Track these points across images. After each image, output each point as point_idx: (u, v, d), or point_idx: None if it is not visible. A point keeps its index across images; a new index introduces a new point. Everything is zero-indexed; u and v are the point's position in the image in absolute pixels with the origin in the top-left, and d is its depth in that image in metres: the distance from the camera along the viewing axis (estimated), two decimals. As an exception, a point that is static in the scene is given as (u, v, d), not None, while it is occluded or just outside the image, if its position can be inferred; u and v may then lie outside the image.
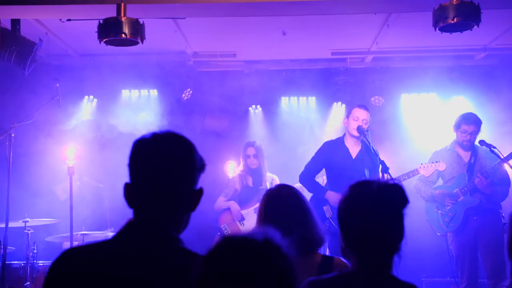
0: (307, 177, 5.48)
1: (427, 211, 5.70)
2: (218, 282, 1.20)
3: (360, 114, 5.38)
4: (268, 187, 6.07)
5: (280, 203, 2.88)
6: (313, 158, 5.57)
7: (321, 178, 5.89)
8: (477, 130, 5.53)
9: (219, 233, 5.98)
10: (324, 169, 5.61)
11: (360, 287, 1.86)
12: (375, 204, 1.85)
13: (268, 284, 1.19)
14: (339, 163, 5.37)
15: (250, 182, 6.13)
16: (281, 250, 1.26)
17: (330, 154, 5.46)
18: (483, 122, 5.59)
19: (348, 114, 5.52)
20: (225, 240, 1.27)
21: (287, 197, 2.91)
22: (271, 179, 6.18)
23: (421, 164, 5.52)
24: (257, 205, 5.92)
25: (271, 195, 2.94)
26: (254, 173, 6.12)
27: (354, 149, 5.45)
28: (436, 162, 5.53)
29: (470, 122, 5.53)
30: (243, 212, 6.02)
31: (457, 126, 5.60)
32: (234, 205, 6.01)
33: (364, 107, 5.49)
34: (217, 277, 1.21)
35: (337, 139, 5.61)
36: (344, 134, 5.55)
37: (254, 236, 1.26)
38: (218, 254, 1.25)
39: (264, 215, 2.86)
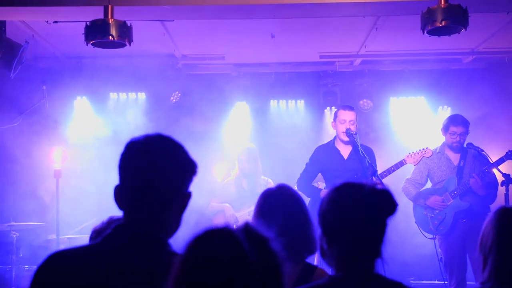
0: (303, 182, 5.49)
1: (416, 214, 5.70)
2: (194, 270, 1.19)
3: (346, 116, 5.37)
4: (262, 190, 6.02)
5: (278, 202, 2.73)
6: (307, 164, 5.61)
7: (316, 184, 5.87)
8: (466, 131, 5.57)
9: None
10: (320, 174, 5.60)
11: None
12: (363, 209, 1.83)
13: (249, 273, 1.18)
14: (332, 166, 5.39)
15: (245, 184, 6.07)
16: (260, 237, 1.24)
17: (322, 158, 5.50)
18: (471, 125, 5.62)
19: (335, 117, 5.51)
20: (202, 232, 1.26)
21: (286, 197, 2.77)
22: (266, 182, 6.14)
23: (408, 153, 5.50)
24: (252, 208, 5.94)
25: (270, 193, 2.82)
26: (248, 176, 6.06)
27: (345, 150, 5.46)
28: (423, 149, 5.51)
29: (458, 123, 5.57)
30: (237, 214, 5.96)
31: (446, 129, 5.63)
32: (228, 208, 5.96)
33: (349, 107, 5.48)
34: (193, 266, 1.20)
35: (328, 142, 5.64)
36: (335, 137, 5.55)
37: (232, 226, 1.26)
38: (195, 244, 1.24)
39: (258, 212, 2.75)
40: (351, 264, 1.85)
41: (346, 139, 5.34)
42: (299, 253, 2.66)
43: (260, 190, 6.00)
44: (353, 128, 5.34)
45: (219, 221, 5.89)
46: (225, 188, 6.14)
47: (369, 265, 1.86)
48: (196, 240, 1.24)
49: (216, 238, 1.22)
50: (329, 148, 5.55)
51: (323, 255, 1.93)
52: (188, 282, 1.19)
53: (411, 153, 5.48)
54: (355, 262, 1.85)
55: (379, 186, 1.87)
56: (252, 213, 5.86)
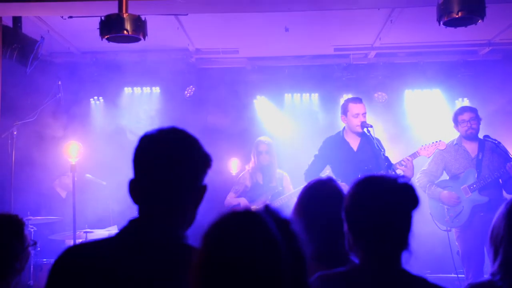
0: (312, 174, 5.43)
1: (431, 205, 5.68)
2: (218, 256, 1.18)
3: (359, 109, 5.29)
4: (277, 184, 6.03)
5: (319, 204, 2.40)
6: (316, 156, 5.53)
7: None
8: (475, 116, 5.58)
9: None
10: (328, 166, 5.56)
11: (371, 281, 1.84)
12: (385, 202, 1.83)
13: (269, 253, 1.17)
14: (341, 158, 5.33)
15: (260, 179, 6.07)
16: (281, 219, 1.23)
17: (331, 150, 5.42)
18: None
19: (345, 111, 5.39)
20: (221, 217, 1.25)
21: (329, 197, 2.41)
22: (282, 176, 6.13)
23: (422, 145, 5.46)
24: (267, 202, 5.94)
25: (312, 192, 2.49)
26: (264, 170, 6.05)
27: (354, 142, 5.40)
28: (436, 142, 5.46)
29: (464, 110, 5.64)
30: (253, 208, 5.93)
31: (455, 121, 5.67)
32: (244, 201, 5.98)
33: (359, 99, 5.40)
34: (217, 253, 1.19)
35: (337, 134, 5.54)
36: (344, 128, 5.47)
37: (253, 210, 1.25)
38: (215, 229, 1.23)
39: (299, 213, 2.46)
40: (378, 258, 1.86)
41: (361, 130, 5.28)
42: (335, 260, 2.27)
43: (275, 184, 6.03)
44: (365, 119, 5.29)
45: None
46: (240, 181, 6.14)
47: (395, 258, 1.86)
48: (218, 224, 1.23)
49: (238, 221, 1.20)
50: (338, 140, 5.45)
51: (350, 248, 1.93)
52: (213, 265, 1.18)
53: (425, 145, 5.43)
54: (382, 256, 1.86)
55: (401, 180, 1.86)
56: None
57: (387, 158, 4.97)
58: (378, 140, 5.39)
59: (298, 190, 5.98)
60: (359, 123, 5.26)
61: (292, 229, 1.23)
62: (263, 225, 1.18)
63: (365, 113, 5.30)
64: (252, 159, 6.14)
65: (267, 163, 6.01)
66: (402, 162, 5.15)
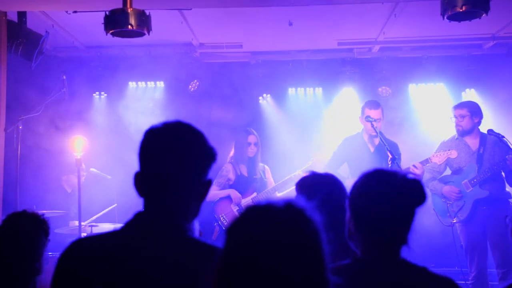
0: (329, 171, 5.50)
1: (434, 201, 5.69)
2: (242, 254, 1.19)
3: (375, 115, 5.46)
4: (261, 176, 6.04)
5: (319, 184, 2.52)
6: (334, 154, 5.78)
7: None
8: (464, 113, 5.57)
9: (216, 224, 5.83)
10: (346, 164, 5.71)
11: (372, 272, 1.86)
12: (392, 196, 1.84)
13: (294, 250, 1.18)
14: (359, 158, 5.52)
15: (244, 171, 6.00)
16: (304, 214, 1.24)
17: (350, 149, 5.66)
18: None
19: (362, 114, 5.62)
20: (247, 210, 1.26)
21: (327, 180, 2.54)
22: (263, 169, 6.13)
23: (433, 153, 5.52)
24: (254, 194, 5.94)
25: (309, 185, 2.56)
26: (249, 162, 5.99)
27: (372, 143, 5.61)
28: (448, 150, 5.54)
29: (455, 107, 5.66)
30: (242, 201, 5.88)
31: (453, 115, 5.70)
32: (234, 193, 5.87)
33: (375, 105, 5.53)
34: (241, 249, 1.19)
35: (356, 134, 5.77)
36: (363, 129, 5.69)
37: (275, 203, 1.25)
38: (240, 225, 1.24)
39: (300, 192, 2.56)
40: (378, 249, 1.88)
41: (375, 133, 5.44)
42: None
43: (259, 176, 6.03)
44: (379, 125, 5.45)
45: (223, 209, 5.83)
46: (223, 174, 6.02)
47: (395, 251, 1.88)
48: (239, 222, 1.24)
49: (259, 220, 1.21)
50: (357, 140, 5.70)
51: (350, 237, 1.95)
52: (236, 265, 1.19)
53: (437, 153, 5.50)
54: (382, 247, 1.88)
55: (410, 176, 1.88)
56: (255, 199, 5.93)
57: (391, 152, 5.03)
58: (394, 144, 5.52)
59: (282, 182, 5.96)
60: (370, 127, 5.40)
61: (314, 224, 1.24)
62: (306, 219, 1.20)
63: (379, 118, 5.42)
64: (234, 150, 6.07)
65: (253, 154, 5.97)
66: (414, 168, 5.23)
